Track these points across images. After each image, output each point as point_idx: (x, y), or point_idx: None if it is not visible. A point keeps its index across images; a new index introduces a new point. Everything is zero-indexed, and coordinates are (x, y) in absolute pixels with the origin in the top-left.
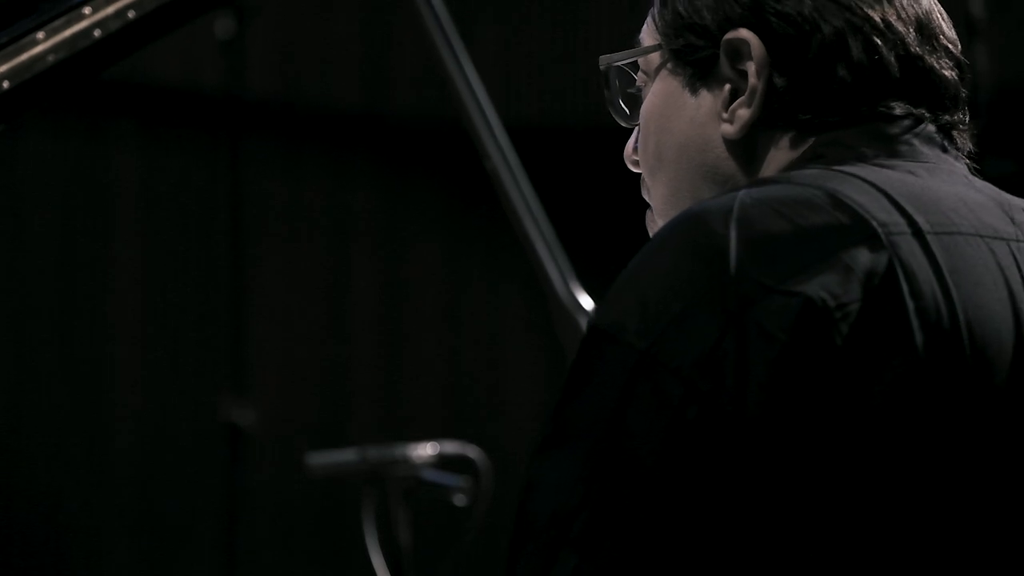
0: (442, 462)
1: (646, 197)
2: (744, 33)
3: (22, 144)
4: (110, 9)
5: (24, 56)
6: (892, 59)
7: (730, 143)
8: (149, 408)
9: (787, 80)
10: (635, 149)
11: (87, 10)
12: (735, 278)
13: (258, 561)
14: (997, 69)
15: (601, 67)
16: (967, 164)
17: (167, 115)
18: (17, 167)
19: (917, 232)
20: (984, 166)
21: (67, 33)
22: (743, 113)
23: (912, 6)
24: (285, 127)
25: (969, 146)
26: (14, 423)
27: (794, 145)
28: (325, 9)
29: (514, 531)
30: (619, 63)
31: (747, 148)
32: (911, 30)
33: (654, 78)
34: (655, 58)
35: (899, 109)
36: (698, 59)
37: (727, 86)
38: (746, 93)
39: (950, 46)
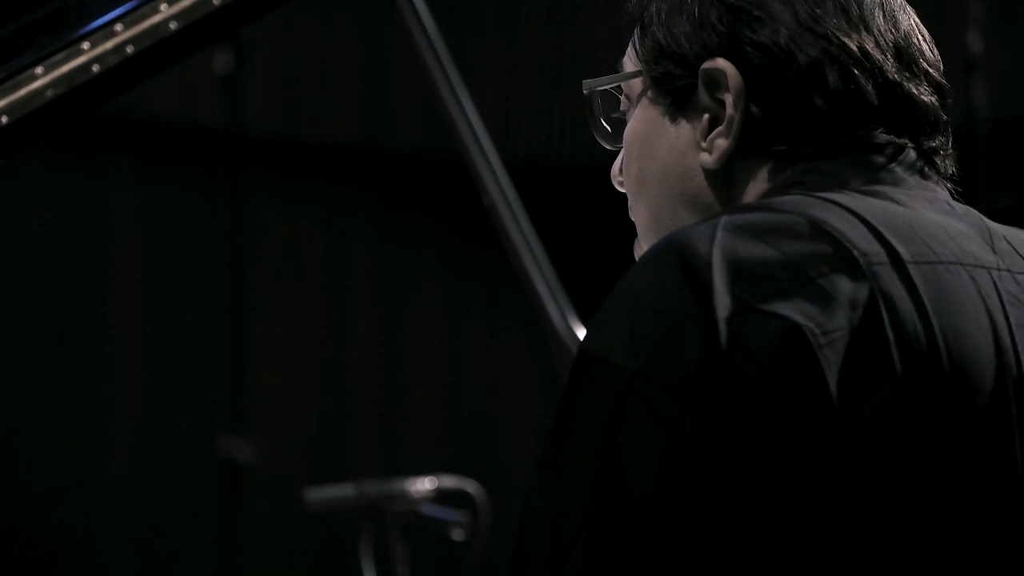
0: (440, 497)
1: (632, 217)
2: (721, 63)
3: (21, 179)
4: (109, 44)
5: (23, 91)
6: (870, 87)
7: (709, 172)
8: (148, 444)
9: (764, 110)
10: (621, 170)
11: (86, 45)
12: (718, 297)
13: None
14: (995, 103)
15: (584, 91)
16: (949, 189)
17: (166, 150)
18: (16, 202)
19: (898, 262)
20: (983, 199)
21: (66, 68)
22: (721, 143)
23: (890, 32)
24: (283, 162)
25: (952, 170)
26: (12, 464)
27: (773, 174)
28: (323, 44)
29: (512, 560)
30: (602, 88)
31: (726, 177)
32: (889, 57)
33: (636, 104)
34: (637, 84)
35: (879, 137)
36: (677, 88)
37: (705, 115)
38: (724, 123)
39: (930, 70)
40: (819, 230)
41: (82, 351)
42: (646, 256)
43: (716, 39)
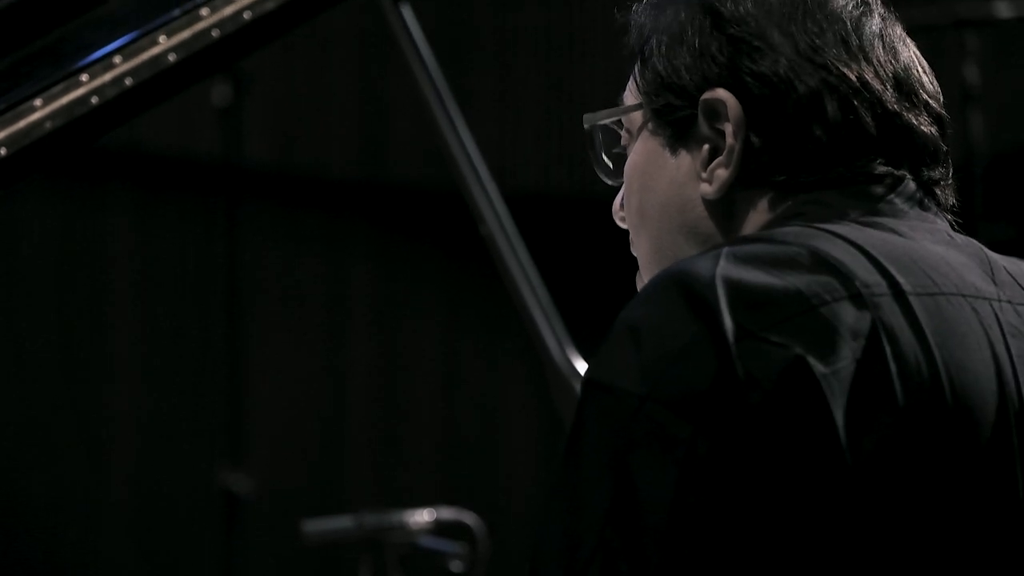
0: (439, 528)
1: (634, 252)
2: (721, 93)
3: (20, 210)
4: (107, 76)
5: (22, 123)
6: (869, 118)
7: (709, 203)
8: (146, 475)
9: (764, 140)
10: (622, 205)
11: (84, 77)
12: (723, 323)
13: None
14: (992, 135)
15: (585, 126)
16: (949, 220)
17: (164, 182)
18: (15, 234)
19: (899, 293)
20: (980, 231)
21: (65, 100)
22: (721, 173)
23: (890, 62)
24: (282, 194)
25: (952, 201)
26: (11, 495)
27: (773, 205)
28: (322, 77)
29: None
30: (602, 122)
31: (727, 207)
32: (888, 87)
33: (637, 137)
34: (637, 117)
35: (879, 168)
36: (677, 119)
37: (706, 146)
38: (724, 153)
39: (930, 101)
40: (821, 261)
41: (81, 382)
42: (649, 286)
43: (716, 70)
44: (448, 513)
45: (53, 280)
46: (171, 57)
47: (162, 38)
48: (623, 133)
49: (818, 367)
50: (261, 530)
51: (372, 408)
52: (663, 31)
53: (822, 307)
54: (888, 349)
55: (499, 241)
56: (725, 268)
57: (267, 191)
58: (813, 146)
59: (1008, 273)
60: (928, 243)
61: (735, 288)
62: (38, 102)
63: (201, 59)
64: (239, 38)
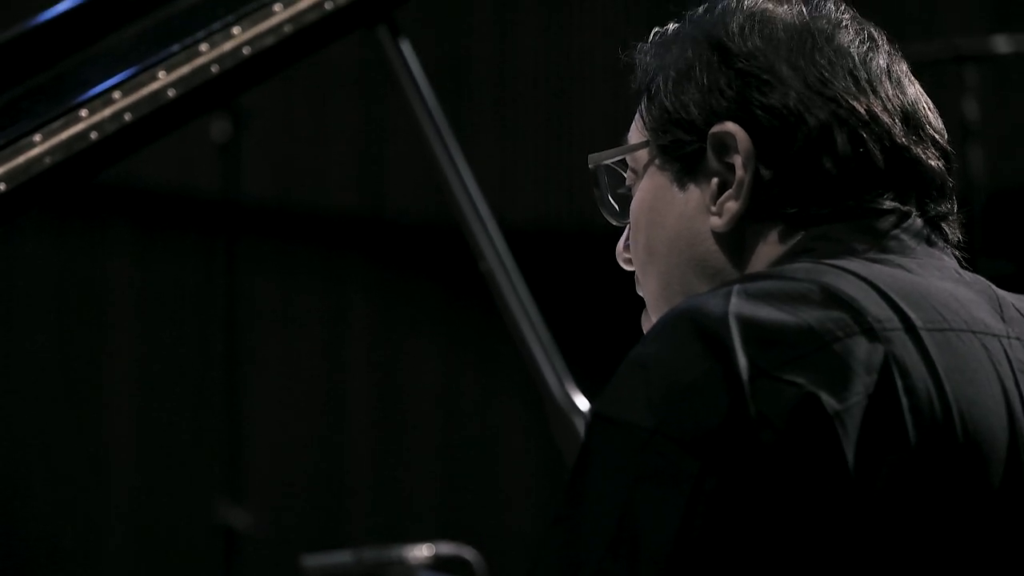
0: (438, 563)
1: (640, 293)
2: (730, 126)
3: (18, 246)
4: (107, 112)
5: (21, 158)
6: (877, 151)
7: (719, 236)
8: (145, 511)
9: (773, 172)
10: (626, 247)
11: (84, 112)
12: (736, 361)
13: None
14: (991, 170)
15: (590, 166)
16: (957, 256)
17: (163, 217)
18: (13, 269)
19: (910, 328)
20: (980, 266)
21: (64, 135)
22: (731, 206)
23: (898, 97)
24: (280, 229)
25: (959, 236)
26: (10, 531)
27: (783, 238)
28: (321, 112)
29: None
30: (607, 161)
31: (736, 241)
32: (897, 121)
33: (643, 175)
34: (643, 155)
35: (887, 203)
36: (685, 154)
37: (715, 179)
38: (733, 186)
39: (936, 136)
40: (832, 297)
41: (79, 417)
42: (659, 323)
43: (725, 103)
44: (447, 548)
45: (53, 315)
46: (170, 92)
47: (161, 73)
48: (628, 173)
49: (831, 404)
50: (261, 565)
51: (372, 442)
52: (670, 68)
53: (835, 343)
54: (900, 383)
55: (498, 276)
56: (737, 305)
57: (266, 226)
58: (823, 178)
59: (1016, 310)
60: (936, 279)
61: (748, 325)
62: (37, 137)
63: (200, 94)
64: (238, 74)
